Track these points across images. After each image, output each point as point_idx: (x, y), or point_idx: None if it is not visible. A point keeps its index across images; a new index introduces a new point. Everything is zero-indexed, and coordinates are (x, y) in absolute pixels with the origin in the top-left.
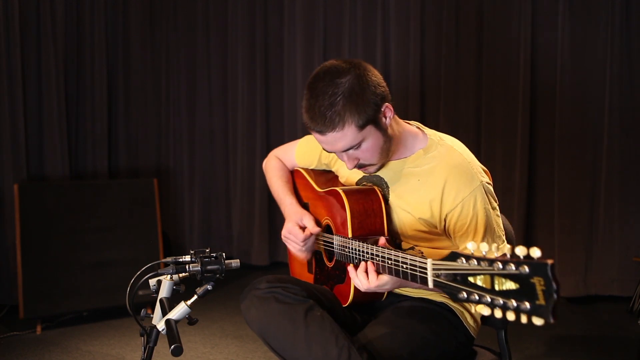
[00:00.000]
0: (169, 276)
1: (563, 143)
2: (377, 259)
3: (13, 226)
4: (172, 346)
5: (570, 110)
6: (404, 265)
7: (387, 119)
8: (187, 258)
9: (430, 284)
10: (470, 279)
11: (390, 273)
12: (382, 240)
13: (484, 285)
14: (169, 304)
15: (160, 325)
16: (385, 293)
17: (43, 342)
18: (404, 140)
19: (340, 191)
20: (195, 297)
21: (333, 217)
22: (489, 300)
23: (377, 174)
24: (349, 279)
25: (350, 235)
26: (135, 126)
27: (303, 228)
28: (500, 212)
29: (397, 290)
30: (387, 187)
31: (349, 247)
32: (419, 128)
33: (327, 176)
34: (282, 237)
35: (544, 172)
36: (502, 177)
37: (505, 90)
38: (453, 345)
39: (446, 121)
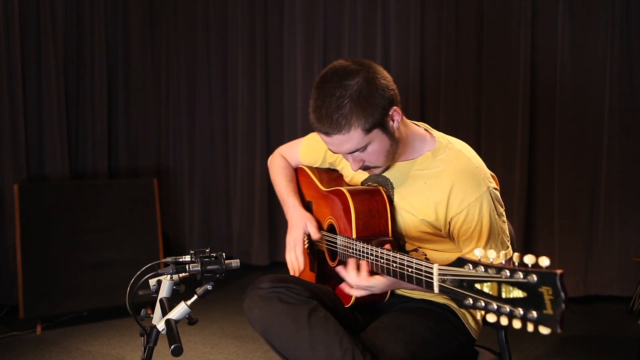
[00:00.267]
0: (169, 276)
1: (563, 143)
2: (382, 261)
3: (13, 226)
4: (172, 346)
5: (570, 110)
6: (409, 269)
7: (395, 122)
8: (187, 258)
9: (436, 289)
10: (477, 285)
11: (394, 276)
12: (387, 246)
13: (490, 293)
14: (169, 304)
15: (160, 325)
16: (388, 294)
17: (43, 342)
18: (412, 142)
19: (345, 191)
20: (195, 297)
21: (337, 217)
22: (496, 307)
23: (383, 174)
24: None
25: (354, 236)
26: (135, 126)
27: (306, 234)
28: None
29: (399, 292)
30: (393, 188)
31: (352, 248)
32: (426, 130)
33: (331, 175)
34: (287, 243)
35: (544, 172)
36: (502, 177)
37: (505, 90)
38: (454, 346)
39: (446, 121)
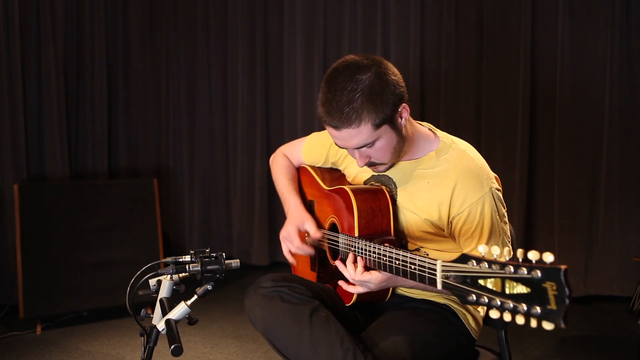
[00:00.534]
0: (169, 276)
1: (563, 143)
2: (384, 258)
3: (13, 226)
4: (172, 346)
5: (570, 110)
6: (412, 266)
7: (403, 119)
8: (187, 258)
9: (439, 286)
10: (481, 281)
11: (397, 273)
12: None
13: (494, 289)
14: (169, 304)
15: (160, 325)
16: (389, 294)
17: (43, 342)
18: (416, 142)
19: (348, 189)
20: (195, 297)
21: (339, 216)
22: (499, 303)
23: (386, 173)
24: None
25: (356, 234)
26: (135, 126)
27: (305, 232)
28: None
29: (400, 292)
30: (396, 187)
31: (355, 246)
32: (430, 130)
33: (334, 175)
34: (280, 237)
35: (544, 172)
36: (502, 177)
37: (505, 90)
38: (454, 347)
39: (446, 121)
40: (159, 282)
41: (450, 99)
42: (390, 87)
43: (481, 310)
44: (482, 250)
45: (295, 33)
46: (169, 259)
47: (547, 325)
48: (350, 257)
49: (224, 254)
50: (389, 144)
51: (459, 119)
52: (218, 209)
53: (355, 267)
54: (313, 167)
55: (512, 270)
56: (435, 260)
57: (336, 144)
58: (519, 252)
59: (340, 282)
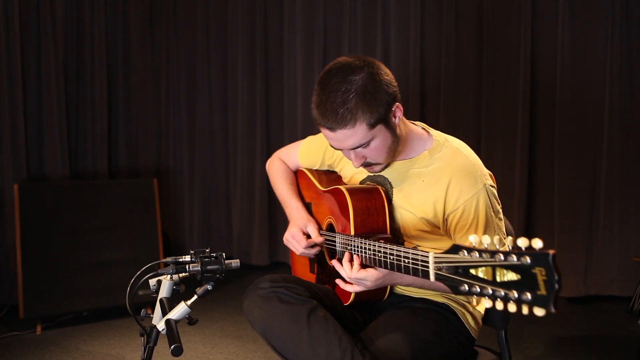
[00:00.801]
0: (169, 276)
1: (563, 143)
2: (379, 254)
3: (13, 226)
4: (172, 346)
5: (570, 110)
6: (406, 260)
7: (397, 118)
8: (187, 258)
9: (432, 277)
10: (472, 271)
11: (392, 268)
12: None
13: (485, 277)
14: (169, 304)
15: (160, 325)
16: (387, 293)
17: (43, 342)
18: (410, 141)
19: (344, 189)
20: (195, 297)
21: (336, 216)
22: (491, 292)
23: (381, 174)
24: None
25: (352, 233)
26: (135, 126)
27: (306, 234)
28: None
29: (398, 291)
30: (391, 187)
31: (351, 245)
32: (424, 129)
33: (330, 176)
34: (284, 240)
35: (544, 172)
36: (502, 177)
37: (505, 90)
38: (454, 347)
39: (446, 121)
40: (159, 282)
41: (450, 99)
42: (383, 87)
43: (481, 309)
44: (473, 240)
45: (295, 33)
46: (169, 259)
47: (538, 311)
48: (346, 256)
49: (224, 254)
50: (384, 144)
51: (459, 119)
52: (218, 209)
53: (352, 265)
54: (310, 170)
55: (502, 258)
56: (428, 252)
57: (332, 146)
58: (509, 239)
59: (338, 281)
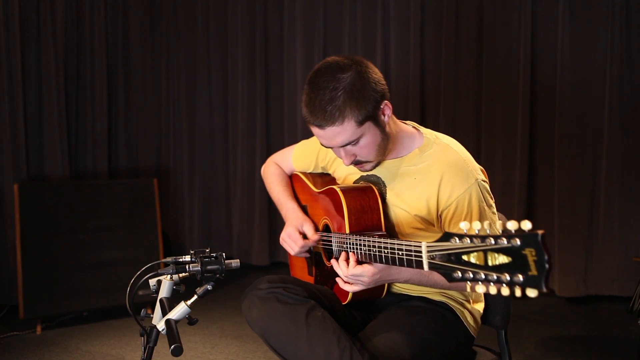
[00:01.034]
0: (169, 276)
1: (563, 143)
2: (375, 249)
3: (13, 226)
4: (172, 346)
5: (570, 110)
6: (400, 252)
7: (386, 116)
8: (187, 258)
9: (426, 267)
10: (464, 257)
11: (387, 262)
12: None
13: (477, 262)
14: (169, 304)
15: (160, 325)
16: (385, 291)
17: (43, 342)
18: (401, 140)
19: (337, 189)
20: (195, 297)
21: (331, 216)
22: (483, 276)
23: (374, 173)
24: None
25: (347, 231)
26: (135, 126)
27: (302, 234)
28: (501, 212)
29: (396, 289)
30: (385, 185)
31: (346, 243)
32: (415, 127)
33: (325, 179)
34: (281, 240)
35: (544, 172)
36: (502, 177)
37: (505, 90)
38: (453, 345)
39: (446, 121)
40: (159, 282)
41: (450, 99)
42: (371, 85)
43: (479, 307)
44: (463, 227)
45: (295, 33)
46: (169, 259)
47: (531, 292)
48: (342, 255)
49: (224, 254)
50: (373, 141)
51: (459, 119)
52: (218, 209)
53: (348, 264)
54: (305, 174)
55: (493, 241)
56: (421, 242)
57: (322, 144)
58: (499, 224)
59: (338, 280)
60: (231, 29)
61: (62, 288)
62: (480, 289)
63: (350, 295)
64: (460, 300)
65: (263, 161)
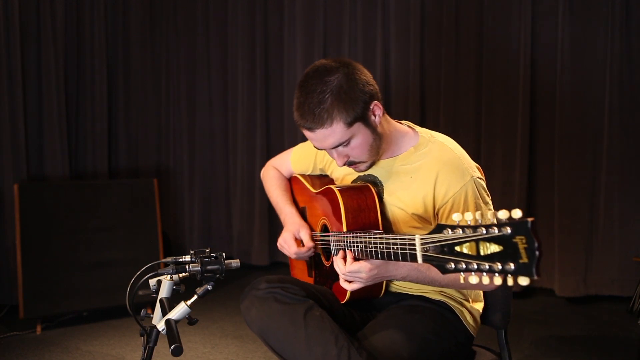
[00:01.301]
0: (169, 276)
1: (563, 143)
2: (371, 245)
3: (13, 226)
4: (172, 346)
5: (570, 110)
6: (395, 247)
7: (377, 117)
8: (187, 258)
9: (420, 259)
10: (457, 248)
11: (383, 257)
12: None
13: (470, 253)
14: (169, 304)
15: (160, 325)
16: (383, 289)
17: (43, 342)
18: (395, 139)
19: (334, 189)
20: (195, 297)
21: (328, 216)
22: (476, 266)
23: (370, 172)
24: None
25: (345, 230)
26: (135, 126)
27: (299, 240)
28: None
29: (395, 289)
30: (382, 185)
31: (344, 241)
32: (410, 127)
33: (323, 180)
34: (278, 245)
35: (544, 172)
36: (502, 177)
37: (505, 90)
38: (453, 345)
39: (446, 121)
40: (159, 282)
41: (450, 99)
42: (359, 86)
43: (478, 307)
44: (456, 218)
45: (295, 33)
46: (169, 259)
47: (523, 280)
48: (340, 253)
49: (224, 254)
50: (364, 142)
51: (459, 119)
52: (218, 209)
53: (345, 262)
54: (303, 176)
55: (484, 231)
56: (414, 235)
57: (315, 146)
58: (490, 213)
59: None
60: (231, 29)
61: (62, 288)
62: (474, 279)
63: (348, 294)
64: (460, 300)
65: (263, 161)
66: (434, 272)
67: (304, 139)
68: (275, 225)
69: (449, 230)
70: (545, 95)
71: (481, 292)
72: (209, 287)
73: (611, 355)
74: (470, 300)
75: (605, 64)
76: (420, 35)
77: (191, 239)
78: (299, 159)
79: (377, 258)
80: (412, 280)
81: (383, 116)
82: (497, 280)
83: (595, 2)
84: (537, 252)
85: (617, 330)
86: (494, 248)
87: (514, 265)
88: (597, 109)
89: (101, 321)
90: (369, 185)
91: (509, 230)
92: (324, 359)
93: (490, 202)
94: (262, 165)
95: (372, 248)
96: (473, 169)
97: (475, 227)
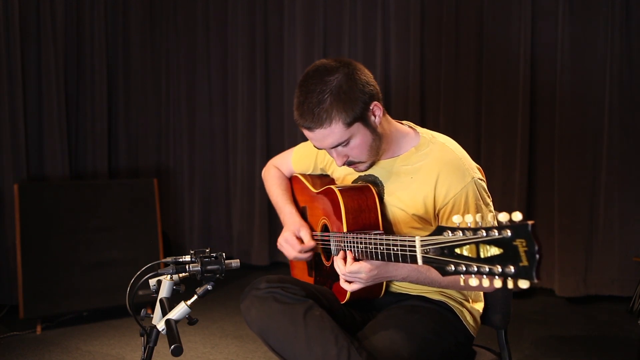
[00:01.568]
0: (169, 276)
1: (563, 143)
2: (371, 246)
3: (13, 226)
4: (172, 346)
5: (570, 110)
6: (395, 248)
7: (377, 117)
8: (187, 258)
9: (420, 261)
10: (457, 250)
11: (383, 258)
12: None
13: (470, 255)
14: (169, 304)
15: (160, 325)
16: (383, 290)
17: (43, 342)
18: (396, 139)
19: (335, 189)
20: (195, 297)
21: (329, 216)
22: (476, 269)
23: (371, 173)
24: None
25: (345, 230)
26: (135, 126)
27: (299, 238)
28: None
29: (395, 289)
30: (382, 185)
31: (344, 241)
32: (411, 127)
33: (324, 180)
34: (278, 244)
35: (544, 172)
36: (502, 177)
37: (505, 90)
38: (453, 345)
39: (446, 121)
40: (159, 282)
41: (450, 99)
42: (359, 86)
43: (479, 307)
44: (456, 220)
45: (295, 33)
46: (169, 259)
47: (523, 284)
48: (340, 254)
49: (224, 254)
50: (364, 142)
51: (459, 119)
52: (218, 209)
53: (345, 262)
54: (304, 175)
55: (484, 233)
56: (414, 237)
57: (315, 146)
58: (490, 216)
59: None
60: (231, 29)
61: (62, 288)
62: (474, 282)
63: (348, 294)
64: (460, 300)
65: (263, 161)
66: (434, 273)
67: (304, 139)
68: (275, 225)
69: (449, 232)
70: (545, 95)
71: (481, 292)
72: (209, 287)
73: (611, 355)
74: (471, 300)
75: (605, 64)
76: (420, 36)
77: (191, 239)
78: (299, 158)
79: (377, 259)
80: (412, 281)
81: (383, 116)
82: (497, 283)
83: (595, 2)
84: (537, 256)
85: (617, 330)
86: (494, 251)
87: (514, 268)
88: (597, 109)
89: (101, 321)
90: (370, 185)
91: (509, 233)
92: (324, 358)
93: (490, 204)
94: (262, 165)
95: (372, 249)
96: (474, 170)
97: (475, 230)
